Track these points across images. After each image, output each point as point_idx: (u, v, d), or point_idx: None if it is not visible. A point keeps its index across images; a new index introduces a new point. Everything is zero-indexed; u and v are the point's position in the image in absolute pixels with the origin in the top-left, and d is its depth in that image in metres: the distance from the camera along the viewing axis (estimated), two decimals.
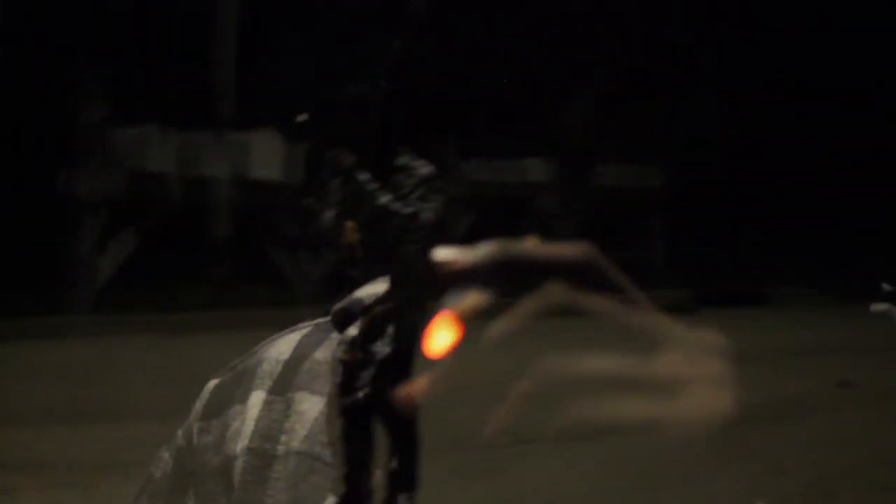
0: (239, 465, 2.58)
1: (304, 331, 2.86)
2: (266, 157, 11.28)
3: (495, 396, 6.44)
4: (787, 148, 13.04)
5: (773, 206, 13.04)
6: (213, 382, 2.76)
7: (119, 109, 10.75)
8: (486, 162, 12.33)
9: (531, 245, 3.24)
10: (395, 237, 3.70)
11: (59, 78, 10.53)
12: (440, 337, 3.43)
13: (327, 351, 2.79)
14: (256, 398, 2.66)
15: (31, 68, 10.21)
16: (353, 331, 2.90)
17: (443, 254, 3.23)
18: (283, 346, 2.79)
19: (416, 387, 3.58)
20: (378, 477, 3.90)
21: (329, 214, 3.99)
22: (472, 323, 3.13)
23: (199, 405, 2.79)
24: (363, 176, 3.71)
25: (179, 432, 2.75)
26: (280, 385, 2.66)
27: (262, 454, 2.58)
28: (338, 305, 2.93)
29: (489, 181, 12.28)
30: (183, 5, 10.92)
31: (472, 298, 3.17)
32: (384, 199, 3.71)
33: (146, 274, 10.19)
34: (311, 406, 2.67)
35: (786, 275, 12.70)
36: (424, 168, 3.84)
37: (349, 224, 3.92)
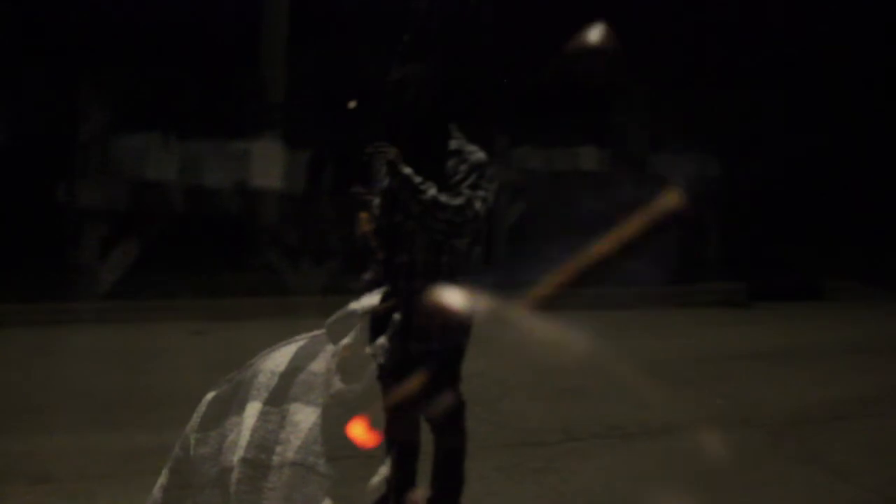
0: (235, 475, 2.59)
1: (300, 343, 2.86)
2: (267, 166, 11.38)
3: (542, 392, 6.34)
4: (847, 139, 12.69)
5: (832, 198, 12.69)
6: (210, 394, 2.75)
7: (120, 118, 10.69)
8: (538, 149, 12.16)
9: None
10: (444, 231, 3.56)
11: (61, 86, 10.59)
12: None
13: (322, 363, 2.81)
14: (252, 409, 2.67)
15: (32, 77, 10.28)
16: (347, 340, 2.87)
17: None
18: (279, 357, 2.80)
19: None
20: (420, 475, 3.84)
21: (376, 203, 3.87)
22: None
23: (196, 417, 2.78)
24: (406, 170, 3.56)
25: (177, 444, 2.74)
26: (275, 396, 2.67)
27: (258, 465, 2.59)
28: (332, 318, 2.90)
29: (540, 169, 12.11)
30: (184, 12, 10.98)
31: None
32: (431, 191, 3.55)
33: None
34: (306, 417, 2.66)
35: (843, 269, 12.35)
36: (477, 154, 3.68)
37: (362, 214, 3.85)
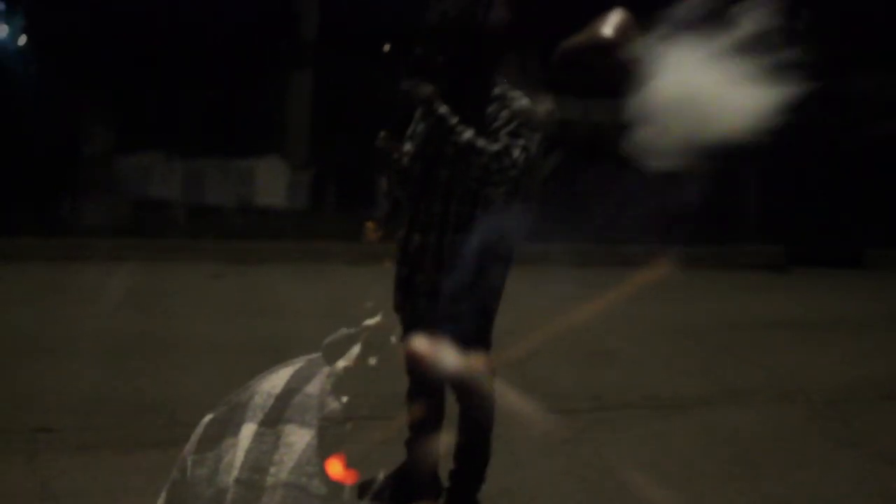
0: (229, 496, 2.60)
1: (297, 365, 2.83)
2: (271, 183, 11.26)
3: (573, 355, 6.06)
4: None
5: (876, 159, 12.18)
6: (208, 417, 2.76)
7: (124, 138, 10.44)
8: (576, 99, 11.76)
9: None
10: (479, 178, 3.25)
11: (64, 105, 10.49)
12: None
13: (317, 385, 2.79)
14: (248, 430, 2.68)
15: (39, 95, 10.02)
16: (343, 363, 2.81)
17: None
18: (275, 379, 2.80)
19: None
20: (444, 446, 3.58)
21: (407, 150, 3.58)
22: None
23: (193, 439, 2.75)
24: (442, 108, 3.24)
25: (174, 467, 2.73)
26: (270, 417, 2.69)
27: (252, 485, 2.61)
28: (329, 339, 2.81)
29: (579, 120, 11.72)
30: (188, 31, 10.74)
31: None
32: (467, 134, 3.24)
33: None
34: (300, 438, 2.66)
35: (885, 237, 11.88)
36: (521, 101, 3.35)
37: (369, 224, 3.66)
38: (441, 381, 3.58)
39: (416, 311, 3.42)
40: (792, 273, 10.81)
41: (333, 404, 2.74)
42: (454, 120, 3.20)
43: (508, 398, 3.20)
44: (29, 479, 3.71)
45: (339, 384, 2.74)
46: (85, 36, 10.79)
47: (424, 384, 3.61)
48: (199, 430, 2.75)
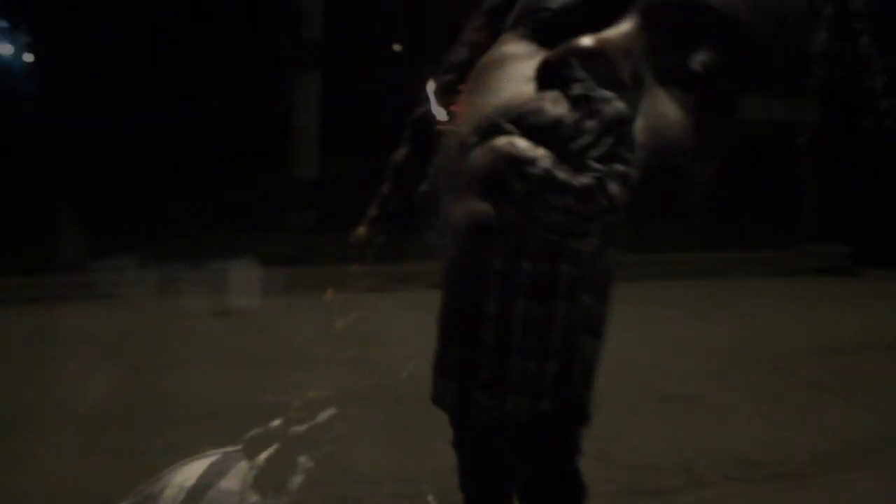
0: None
1: (212, 458, 2.70)
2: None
3: (647, 404, 5.03)
4: None
5: None
6: None
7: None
8: (616, 90, 10.70)
9: None
10: (561, 226, 2.21)
11: None
12: None
13: (234, 480, 2.66)
14: None
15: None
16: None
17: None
18: (189, 471, 2.66)
19: None
20: None
21: (424, 187, 2.61)
22: None
23: None
24: (508, 125, 2.20)
25: None
26: None
27: None
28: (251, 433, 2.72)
29: (621, 111, 10.65)
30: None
31: None
32: (544, 162, 2.19)
33: None
34: None
35: None
36: (614, 104, 2.30)
37: (359, 231, 3.22)
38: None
39: (472, 409, 2.39)
40: (862, 277, 9.68)
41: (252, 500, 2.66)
42: (523, 143, 2.15)
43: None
44: None
45: (259, 479, 2.61)
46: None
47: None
48: None
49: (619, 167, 2.19)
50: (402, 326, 6.20)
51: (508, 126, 2.17)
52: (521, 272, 2.26)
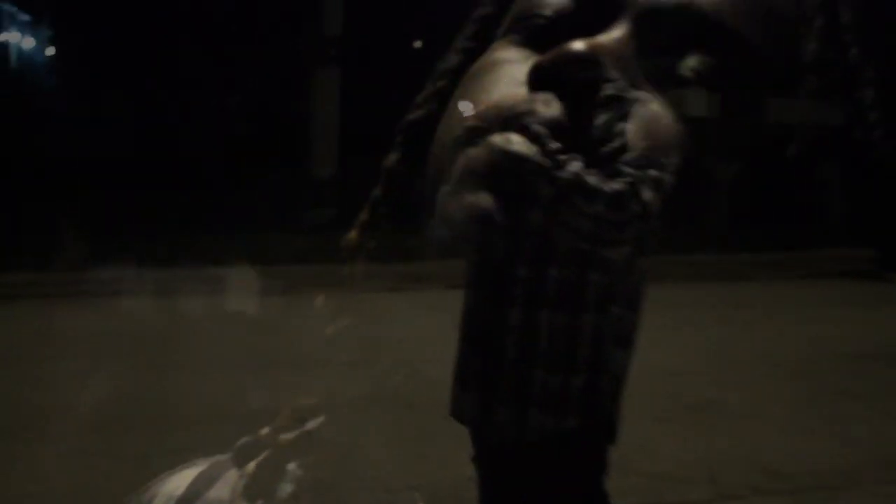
0: None
1: (201, 468, 2.59)
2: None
3: (669, 411, 4.91)
4: None
5: None
6: None
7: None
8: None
9: None
10: (591, 234, 2.07)
11: None
12: None
13: (223, 490, 2.58)
14: None
15: None
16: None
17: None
18: (177, 481, 2.57)
19: None
20: None
21: (446, 190, 2.49)
22: None
23: None
24: (535, 126, 2.06)
25: None
26: None
27: None
28: (241, 441, 2.59)
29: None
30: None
31: None
32: (574, 165, 2.04)
33: None
34: None
35: None
36: (649, 105, 2.18)
37: (350, 237, 2.86)
38: None
39: (492, 423, 2.28)
40: (889, 282, 9.51)
41: None
42: (554, 144, 2.03)
43: None
44: None
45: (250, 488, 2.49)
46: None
47: None
48: None
49: (654, 172, 2.07)
50: (421, 328, 6.12)
51: (536, 127, 2.05)
52: (547, 280, 2.14)
